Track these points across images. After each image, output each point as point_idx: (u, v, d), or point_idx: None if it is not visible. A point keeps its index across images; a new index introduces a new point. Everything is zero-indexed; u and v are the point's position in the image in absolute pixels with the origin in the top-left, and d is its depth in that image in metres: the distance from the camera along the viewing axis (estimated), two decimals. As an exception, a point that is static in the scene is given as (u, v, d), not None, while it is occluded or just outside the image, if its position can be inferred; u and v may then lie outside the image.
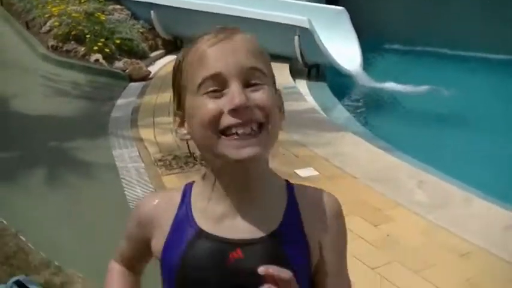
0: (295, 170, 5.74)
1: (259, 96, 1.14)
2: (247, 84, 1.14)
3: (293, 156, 6.12)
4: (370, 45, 11.41)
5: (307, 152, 6.22)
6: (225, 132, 1.13)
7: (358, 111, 8.99)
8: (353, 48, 10.44)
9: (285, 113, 1.26)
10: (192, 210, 1.27)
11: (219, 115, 1.13)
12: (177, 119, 1.26)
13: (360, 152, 6.21)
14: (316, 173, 5.66)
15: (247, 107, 1.12)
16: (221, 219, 1.23)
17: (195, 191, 1.30)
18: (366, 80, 9.92)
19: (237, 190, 1.23)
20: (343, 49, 10.27)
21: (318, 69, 10.40)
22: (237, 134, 1.12)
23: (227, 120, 1.12)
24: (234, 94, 1.11)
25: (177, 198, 1.31)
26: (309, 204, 1.30)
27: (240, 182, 1.22)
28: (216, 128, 1.13)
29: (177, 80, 1.24)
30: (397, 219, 4.66)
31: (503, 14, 12.17)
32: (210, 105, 1.13)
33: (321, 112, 7.92)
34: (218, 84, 1.13)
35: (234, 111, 1.12)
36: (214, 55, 1.15)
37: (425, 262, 4.03)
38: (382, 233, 4.39)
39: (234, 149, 1.13)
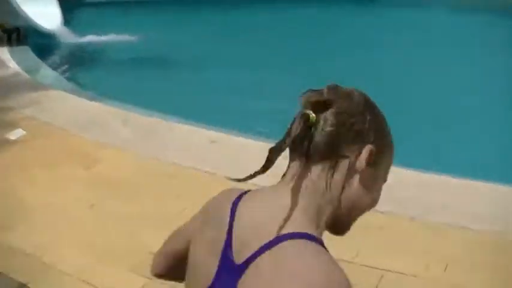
0: (5, 135, 5.70)
1: None
2: None
3: (1, 121, 6.05)
4: (72, 1, 11.37)
5: (16, 115, 6.17)
6: None
7: (65, 68, 9.01)
8: (52, 7, 10.32)
9: None
10: None
11: None
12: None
13: (68, 106, 6.34)
14: (24, 132, 5.68)
15: None
16: None
17: None
18: (68, 37, 9.92)
19: None
20: (42, 9, 10.09)
21: (18, 34, 10.10)
22: None
23: None
24: None
25: None
26: None
27: None
28: None
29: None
30: (106, 158, 4.93)
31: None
32: None
33: (26, 75, 7.82)
34: None
35: None
36: None
37: (137, 190, 4.37)
38: (93, 174, 4.64)
39: None
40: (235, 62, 8.72)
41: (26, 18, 9.63)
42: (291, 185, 1.11)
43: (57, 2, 10.44)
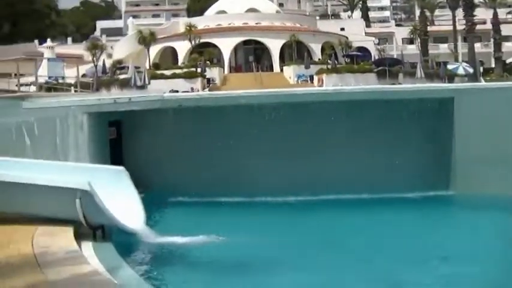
0: None
1: None
2: None
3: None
4: (155, 199, 11.57)
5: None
6: None
7: (144, 268, 8.95)
8: (135, 206, 10.43)
9: None
10: None
11: None
12: None
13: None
14: None
15: None
16: None
17: None
18: (150, 237, 9.93)
19: None
20: (126, 208, 10.20)
21: (103, 230, 10.21)
22: None
23: None
24: None
25: None
26: None
27: None
28: None
29: None
30: None
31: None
32: None
33: (106, 274, 7.71)
34: None
35: None
36: None
37: None
38: None
39: None
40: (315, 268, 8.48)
41: (109, 216, 9.72)
42: None
43: (141, 201, 10.59)
